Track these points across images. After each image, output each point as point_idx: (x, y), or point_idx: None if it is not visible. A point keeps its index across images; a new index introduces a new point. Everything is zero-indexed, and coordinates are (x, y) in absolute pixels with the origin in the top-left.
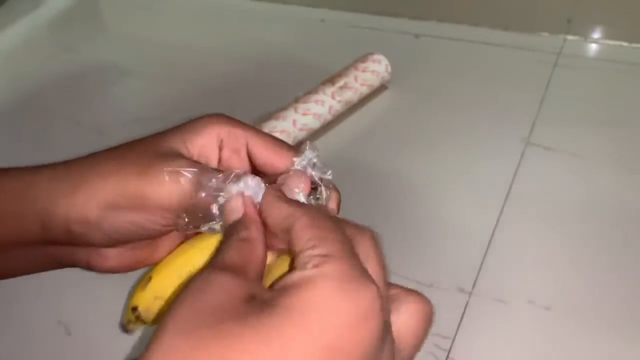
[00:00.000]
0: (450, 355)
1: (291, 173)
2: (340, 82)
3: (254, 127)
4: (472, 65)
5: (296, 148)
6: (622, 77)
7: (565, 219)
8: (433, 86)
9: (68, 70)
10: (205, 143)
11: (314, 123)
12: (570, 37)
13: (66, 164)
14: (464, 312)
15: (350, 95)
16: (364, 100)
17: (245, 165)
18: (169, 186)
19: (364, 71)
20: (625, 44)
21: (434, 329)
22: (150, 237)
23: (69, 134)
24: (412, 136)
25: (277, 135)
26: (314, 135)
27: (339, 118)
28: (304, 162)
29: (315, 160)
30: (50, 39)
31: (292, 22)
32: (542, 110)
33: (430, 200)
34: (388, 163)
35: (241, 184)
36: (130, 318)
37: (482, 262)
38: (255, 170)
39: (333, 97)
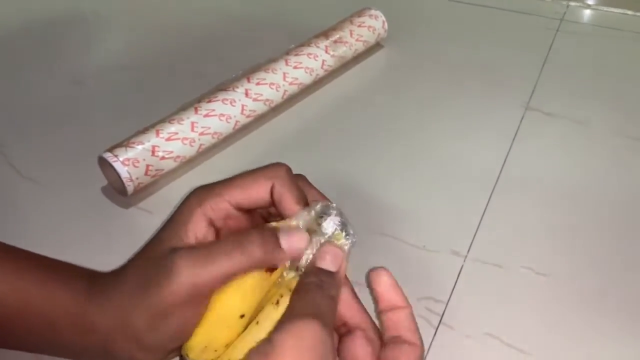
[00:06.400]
0: (444, 319)
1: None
2: (335, 36)
3: (228, 180)
4: (471, 27)
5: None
6: (625, 45)
7: (565, 186)
8: (431, 47)
9: (45, 16)
10: (196, 228)
11: (305, 77)
12: (573, 3)
13: (103, 288)
14: (458, 276)
15: (345, 51)
16: (358, 57)
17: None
18: (172, 281)
19: (359, 26)
20: (629, 12)
21: (426, 292)
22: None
23: (44, 83)
24: (407, 97)
25: (266, 88)
26: (305, 90)
27: (331, 75)
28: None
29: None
30: None
31: None
32: (543, 76)
33: (425, 162)
34: (382, 123)
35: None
36: None
37: (478, 226)
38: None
39: (326, 51)
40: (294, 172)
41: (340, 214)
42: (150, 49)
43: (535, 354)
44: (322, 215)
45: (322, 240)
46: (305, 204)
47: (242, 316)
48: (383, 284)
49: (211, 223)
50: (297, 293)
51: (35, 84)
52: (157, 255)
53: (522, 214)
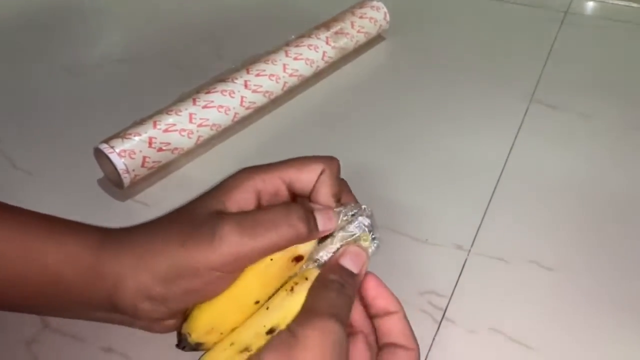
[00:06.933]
0: (447, 314)
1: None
2: (336, 27)
3: (281, 161)
4: (475, 19)
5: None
6: (630, 38)
7: (569, 179)
8: (434, 39)
9: (42, 7)
10: (242, 197)
11: (305, 69)
12: None
13: (119, 238)
14: (462, 270)
15: (346, 42)
16: (359, 50)
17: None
18: (215, 246)
19: (361, 17)
20: (634, 4)
21: (429, 286)
22: (213, 296)
23: (40, 74)
24: (409, 89)
25: (265, 79)
26: (306, 82)
27: (331, 67)
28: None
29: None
30: None
31: None
32: (547, 68)
33: (428, 155)
34: (383, 116)
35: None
36: (182, 340)
37: (482, 220)
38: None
39: (327, 43)
40: None
41: (370, 216)
42: (148, 41)
43: (540, 349)
44: (353, 214)
45: (349, 239)
46: (338, 200)
47: (256, 302)
48: (371, 289)
49: (258, 197)
50: (319, 288)
51: (31, 75)
52: (199, 216)
53: (527, 207)
